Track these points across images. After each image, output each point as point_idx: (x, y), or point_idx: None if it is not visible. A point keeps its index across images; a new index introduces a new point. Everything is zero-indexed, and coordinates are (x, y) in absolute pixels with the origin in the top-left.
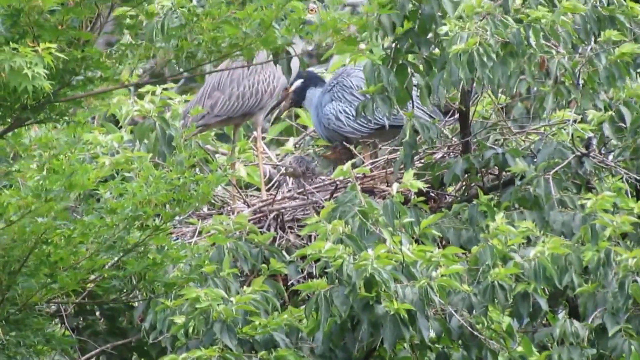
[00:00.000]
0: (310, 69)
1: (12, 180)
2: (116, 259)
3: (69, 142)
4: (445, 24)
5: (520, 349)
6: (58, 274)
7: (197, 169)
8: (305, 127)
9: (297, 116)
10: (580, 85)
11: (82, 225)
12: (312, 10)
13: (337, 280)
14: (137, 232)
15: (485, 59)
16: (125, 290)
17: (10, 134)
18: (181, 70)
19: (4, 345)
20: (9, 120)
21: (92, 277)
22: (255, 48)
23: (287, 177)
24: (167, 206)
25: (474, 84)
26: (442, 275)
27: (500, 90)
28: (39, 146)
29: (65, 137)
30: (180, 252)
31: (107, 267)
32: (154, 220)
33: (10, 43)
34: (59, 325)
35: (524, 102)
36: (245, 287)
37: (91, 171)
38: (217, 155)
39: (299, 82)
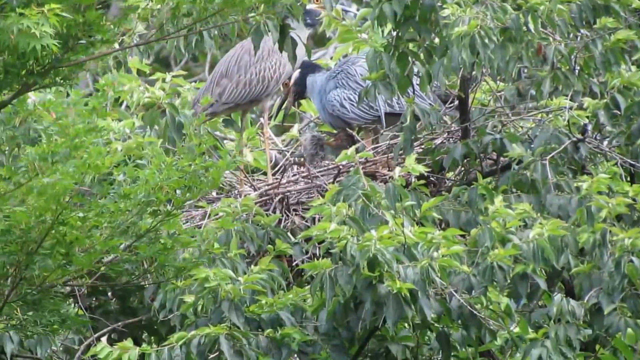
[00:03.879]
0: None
1: (18, 145)
2: (129, 243)
3: (86, 128)
4: (445, 9)
5: (517, 329)
6: (73, 254)
7: (207, 156)
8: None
9: (299, 104)
10: (577, 71)
11: (97, 207)
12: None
13: (341, 261)
14: (149, 219)
15: (486, 41)
16: (137, 274)
17: (15, 100)
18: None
19: (22, 325)
20: (17, 86)
21: (106, 259)
22: (248, 3)
23: (299, 149)
24: (179, 192)
25: (474, 71)
26: (442, 256)
27: (498, 76)
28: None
29: (80, 122)
30: (190, 237)
31: (120, 248)
32: (166, 206)
33: (17, 10)
34: (73, 304)
35: (515, 83)
36: (252, 267)
37: (104, 153)
38: (225, 142)
39: (296, 73)
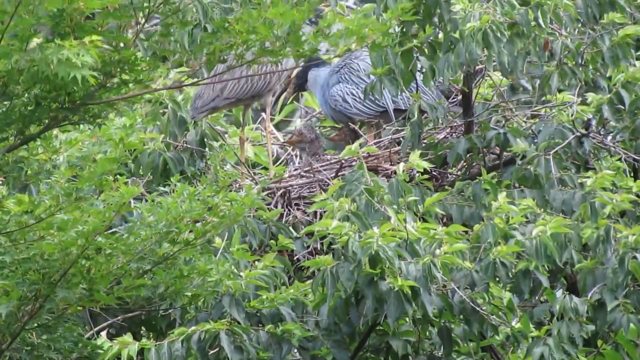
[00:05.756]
0: None
1: (42, 180)
2: (146, 268)
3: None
4: (455, 4)
5: (518, 325)
6: (97, 289)
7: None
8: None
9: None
10: (583, 66)
11: (123, 244)
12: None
13: (342, 257)
14: (167, 244)
15: (498, 34)
16: (153, 299)
17: (41, 136)
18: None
19: (34, 348)
20: (45, 121)
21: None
22: (283, 54)
23: (292, 146)
24: (199, 224)
25: (479, 65)
26: (445, 253)
27: (509, 72)
28: (67, 148)
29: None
30: (207, 267)
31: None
32: (185, 235)
33: (55, 41)
34: None
35: (510, 76)
36: (255, 263)
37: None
38: (226, 136)
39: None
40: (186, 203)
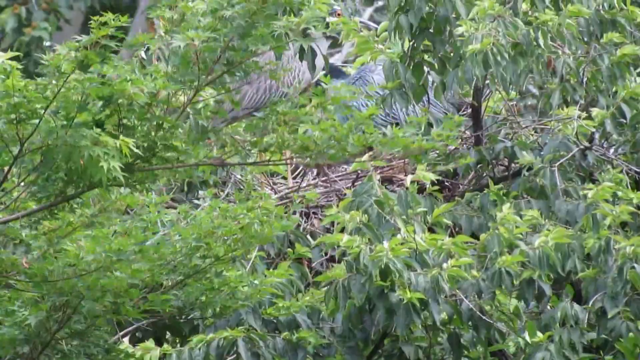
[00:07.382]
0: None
1: (92, 236)
2: (177, 280)
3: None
4: (460, 25)
5: (526, 333)
6: (122, 302)
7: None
8: None
9: None
10: (585, 83)
11: (152, 261)
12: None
13: (354, 269)
14: (198, 260)
15: (499, 58)
16: (184, 309)
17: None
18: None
19: (65, 354)
20: (87, 183)
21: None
22: (321, 154)
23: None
24: (230, 240)
25: (487, 82)
26: (452, 266)
27: (511, 87)
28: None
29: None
30: (239, 280)
31: (167, 285)
32: (215, 250)
33: (94, 128)
34: None
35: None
36: (272, 270)
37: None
38: (245, 144)
39: (318, 75)
40: (218, 219)
